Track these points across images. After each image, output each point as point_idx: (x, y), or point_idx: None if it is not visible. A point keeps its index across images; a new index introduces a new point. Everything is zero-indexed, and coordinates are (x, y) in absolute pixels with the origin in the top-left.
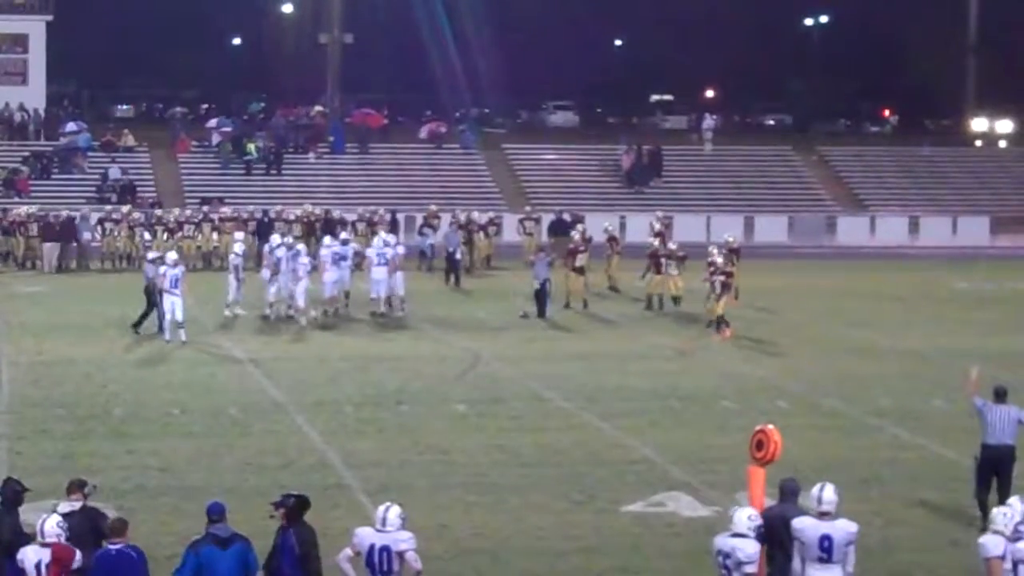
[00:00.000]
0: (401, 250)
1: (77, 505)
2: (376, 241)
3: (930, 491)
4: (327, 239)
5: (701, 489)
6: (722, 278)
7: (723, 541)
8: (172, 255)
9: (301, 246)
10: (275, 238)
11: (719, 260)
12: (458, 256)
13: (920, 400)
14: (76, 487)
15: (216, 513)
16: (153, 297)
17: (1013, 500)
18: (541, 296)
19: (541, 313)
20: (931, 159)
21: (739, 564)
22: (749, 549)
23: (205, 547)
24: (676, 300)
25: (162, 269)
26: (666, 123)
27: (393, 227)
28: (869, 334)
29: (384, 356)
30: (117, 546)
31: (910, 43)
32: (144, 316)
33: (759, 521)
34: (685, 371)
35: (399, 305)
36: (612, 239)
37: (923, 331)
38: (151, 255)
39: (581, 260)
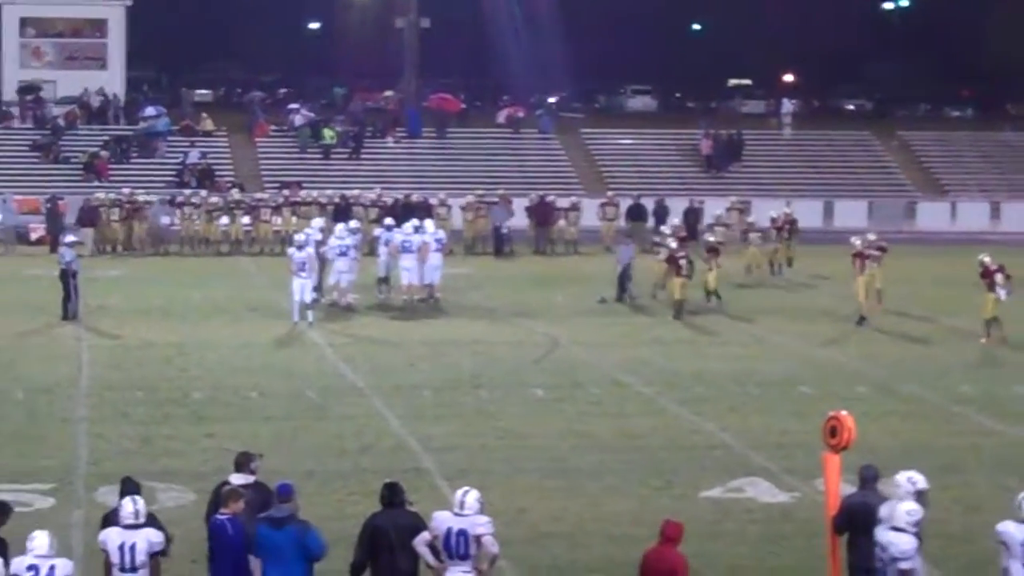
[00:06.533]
0: (427, 237)
1: (251, 479)
2: (407, 227)
3: (1012, 478)
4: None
5: (780, 475)
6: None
7: (881, 533)
8: (300, 237)
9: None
10: (339, 226)
11: (857, 243)
12: (504, 231)
13: (1001, 386)
14: (245, 460)
15: (283, 494)
16: (68, 282)
17: None
18: (623, 280)
19: (620, 297)
20: (1012, 143)
21: (894, 560)
22: (905, 545)
23: (259, 525)
24: (710, 295)
25: (290, 250)
26: (744, 108)
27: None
28: (949, 320)
29: (462, 340)
30: (226, 515)
31: (991, 25)
32: (67, 302)
33: (919, 516)
34: (763, 356)
35: (426, 293)
36: (791, 222)
37: (1003, 317)
38: (68, 238)
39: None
